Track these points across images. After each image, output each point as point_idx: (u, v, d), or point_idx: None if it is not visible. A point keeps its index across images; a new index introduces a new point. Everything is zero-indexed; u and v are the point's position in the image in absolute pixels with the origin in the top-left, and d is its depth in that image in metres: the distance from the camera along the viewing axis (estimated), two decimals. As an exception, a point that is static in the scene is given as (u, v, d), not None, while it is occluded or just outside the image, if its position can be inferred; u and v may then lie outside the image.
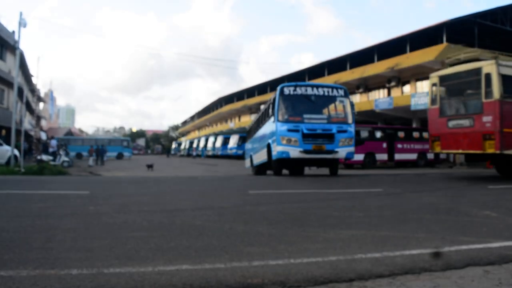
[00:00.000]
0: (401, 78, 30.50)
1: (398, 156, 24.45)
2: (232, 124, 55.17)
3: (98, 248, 3.73)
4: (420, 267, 3.31)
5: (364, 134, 23.70)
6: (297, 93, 13.30)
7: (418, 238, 4.38)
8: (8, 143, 18.20)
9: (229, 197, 7.92)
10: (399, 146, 24.55)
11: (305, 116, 13.11)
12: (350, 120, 13.48)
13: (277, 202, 7.54)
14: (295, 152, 12.71)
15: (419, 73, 28.75)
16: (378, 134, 24.36)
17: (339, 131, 13.01)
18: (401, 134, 25.17)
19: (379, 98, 30.65)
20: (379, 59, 30.93)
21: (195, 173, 16.60)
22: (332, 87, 13.80)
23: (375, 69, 30.59)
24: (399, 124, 30.33)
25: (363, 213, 6.14)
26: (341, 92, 13.63)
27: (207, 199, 7.65)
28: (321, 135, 12.86)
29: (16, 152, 17.76)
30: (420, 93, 25.83)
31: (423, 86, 29.26)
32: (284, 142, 12.68)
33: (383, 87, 32.52)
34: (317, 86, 13.74)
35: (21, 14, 16.98)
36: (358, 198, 8.29)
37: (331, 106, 13.70)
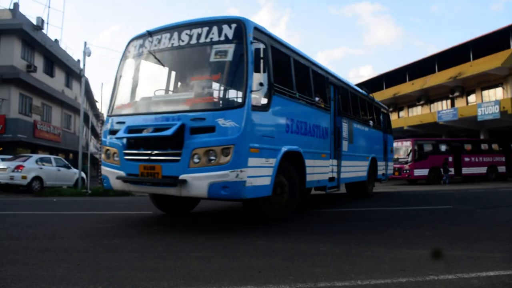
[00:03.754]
0: (465, 87, 29.07)
1: (465, 170, 23.14)
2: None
3: (163, 268, 3.79)
4: (500, 291, 3.05)
5: (428, 148, 22.71)
6: (145, 50, 6.76)
7: (494, 258, 4.07)
8: (76, 166, 19.29)
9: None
10: (466, 159, 23.24)
11: (152, 99, 6.56)
12: (243, 94, 5.65)
13: (338, 220, 7.36)
14: (116, 180, 6.38)
15: (485, 82, 27.28)
16: (443, 148, 23.23)
17: (195, 130, 5.65)
18: (468, 146, 23.84)
19: (442, 109, 29.30)
20: (441, 68, 29.74)
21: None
22: (211, 23, 6.08)
23: (437, 80, 29.39)
24: (465, 136, 28.82)
25: (431, 232, 5.82)
26: (229, 30, 5.90)
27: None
28: (149, 141, 6.01)
29: (83, 174, 18.74)
30: (487, 103, 24.40)
31: (490, 95, 27.69)
32: (104, 157, 6.79)
33: (446, 98, 31.13)
34: (183, 26, 6.37)
35: (85, 44, 18.14)
36: (424, 215, 7.90)
37: (212, 66, 6.08)
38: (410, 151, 21.76)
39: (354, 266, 3.79)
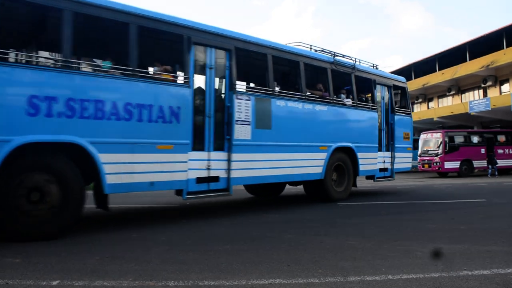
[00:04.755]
0: (498, 76, 28.04)
1: (499, 163, 22.40)
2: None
3: (192, 261, 3.82)
4: (540, 287, 2.93)
5: (459, 139, 22.09)
6: None
7: (533, 254, 3.93)
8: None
9: (317, 209, 7.77)
10: (500, 151, 22.49)
11: None
12: None
13: (368, 213, 7.25)
14: None
15: (520, 70, 26.29)
16: (475, 139, 22.53)
17: None
18: (501, 138, 23.06)
19: (473, 100, 28.39)
20: (472, 57, 28.77)
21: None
22: None
23: (468, 69, 28.48)
24: (498, 127, 27.90)
25: (465, 226, 5.67)
26: None
27: (296, 211, 7.57)
28: None
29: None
30: (522, 92, 23.52)
31: (525, 84, 26.67)
32: None
33: (478, 87, 30.13)
34: None
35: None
36: (457, 209, 7.70)
37: None
38: (441, 143, 21.22)
39: (385, 261, 3.73)
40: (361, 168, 9.23)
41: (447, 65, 30.91)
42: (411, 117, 11.38)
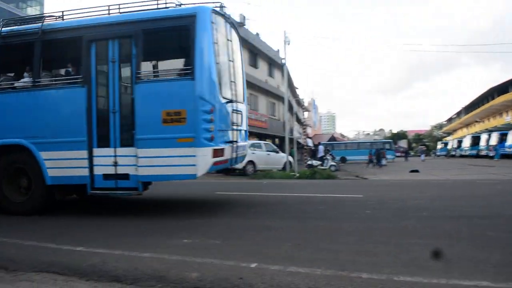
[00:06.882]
0: None
1: None
2: (508, 118, 47.75)
3: (382, 253, 3.73)
4: None
5: None
6: None
7: None
8: (283, 151, 20.64)
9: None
10: None
11: None
12: None
13: None
14: None
15: None
16: None
17: None
18: None
19: None
20: None
21: (466, 176, 14.94)
22: None
23: None
24: None
25: None
26: None
27: (492, 205, 6.74)
28: None
29: (290, 158, 19.93)
30: None
31: None
32: None
33: None
34: None
35: (285, 33, 19.10)
36: None
37: None
38: None
39: None
40: (51, 173, 6.45)
41: None
42: (192, 79, 5.99)
